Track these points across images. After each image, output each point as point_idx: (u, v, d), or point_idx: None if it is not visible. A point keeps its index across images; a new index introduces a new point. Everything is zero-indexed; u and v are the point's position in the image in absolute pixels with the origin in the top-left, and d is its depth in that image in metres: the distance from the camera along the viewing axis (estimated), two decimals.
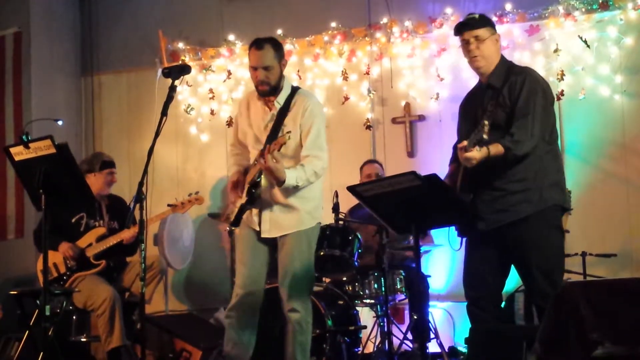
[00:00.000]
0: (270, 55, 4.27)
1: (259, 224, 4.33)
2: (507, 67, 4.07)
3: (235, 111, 5.35)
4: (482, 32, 4.02)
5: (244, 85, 6.90)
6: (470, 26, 4.05)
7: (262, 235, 4.33)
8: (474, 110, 4.09)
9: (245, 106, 4.49)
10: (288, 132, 4.09)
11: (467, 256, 4.12)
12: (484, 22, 4.07)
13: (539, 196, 3.88)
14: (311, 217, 4.38)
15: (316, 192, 4.40)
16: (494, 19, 5.62)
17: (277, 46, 4.34)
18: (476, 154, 3.71)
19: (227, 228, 4.70)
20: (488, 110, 3.93)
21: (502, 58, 4.11)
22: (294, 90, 4.40)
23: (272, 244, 4.38)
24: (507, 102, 3.93)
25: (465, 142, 3.74)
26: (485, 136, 3.66)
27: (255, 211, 4.32)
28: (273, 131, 4.28)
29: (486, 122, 3.68)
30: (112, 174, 5.88)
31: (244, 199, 4.24)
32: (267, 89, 4.29)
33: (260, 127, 4.37)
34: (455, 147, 4.33)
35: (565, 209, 4.07)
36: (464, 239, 4.13)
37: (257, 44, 4.30)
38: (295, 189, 4.22)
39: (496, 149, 3.78)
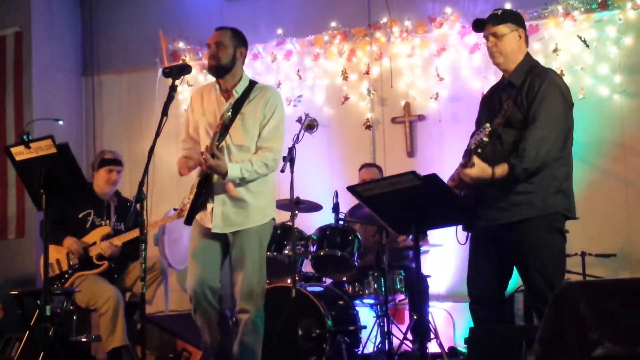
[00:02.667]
0: (226, 36, 4.30)
1: (211, 220, 4.25)
2: (529, 66, 3.99)
3: None
4: (500, 28, 3.95)
5: None
6: (488, 22, 3.99)
7: (213, 231, 4.23)
8: (493, 106, 4.06)
9: (199, 99, 4.44)
10: (227, 113, 4.05)
11: (471, 254, 4.12)
12: (505, 17, 3.99)
13: (542, 201, 3.84)
14: (262, 213, 4.29)
15: (268, 187, 4.32)
16: None
17: (238, 35, 4.37)
18: (472, 172, 3.73)
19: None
20: (503, 109, 3.92)
21: (527, 56, 4.03)
22: (253, 83, 4.40)
23: (225, 241, 4.29)
24: (524, 103, 3.88)
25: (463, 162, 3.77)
26: (485, 138, 3.64)
27: (209, 207, 4.23)
28: (231, 121, 4.23)
29: (488, 125, 3.65)
30: (110, 172, 5.75)
31: (193, 192, 4.16)
32: (214, 64, 4.26)
33: (215, 116, 4.29)
34: (471, 136, 4.32)
35: (568, 217, 3.97)
36: (469, 235, 4.13)
37: (219, 27, 4.39)
38: (243, 180, 4.16)
39: (501, 169, 3.75)
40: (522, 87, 3.92)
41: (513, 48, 3.99)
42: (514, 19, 4.03)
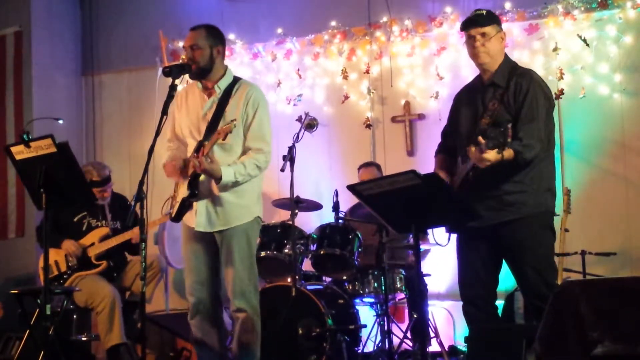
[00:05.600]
0: (200, 37, 4.24)
1: (195, 219, 4.24)
2: (510, 67, 4.05)
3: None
4: (489, 29, 4.00)
5: None
6: (477, 23, 4.02)
7: (197, 229, 4.21)
8: (474, 106, 4.07)
9: (183, 97, 4.40)
10: (233, 120, 4.02)
11: (460, 256, 4.13)
12: (491, 19, 4.05)
13: (534, 200, 3.90)
14: (248, 211, 4.26)
15: (254, 185, 4.28)
16: None
17: (212, 31, 4.31)
18: (495, 156, 3.68)
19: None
20: (489, 109, 3.93)
21: (506, 57, 4.09)
22: (236, 79, 4.36)
23: (211, 240, 4.26)
24: (512, 103, 3.91)
25: (483, 140, 3.68)
26: (509, 140, 3.58)
27: (195, 206, 4.21)
28: (213, 119, 4.20)
29: (509, 127, 3.59)
30: (101, 192, 5.76)
31: (185, 192, 4.14)
32: (193, 68, 4.21)
33: (198, 115, 4.27)
34: (443, 135, 4.32)
35: (554, 215, 4.06)
36: (452, 235, 4.15)
37: (193, 27, 4.32)
38: (236, 184, 4.14)
39: (508, 153, 3.75)
40: (508, 88, 3.96)
41: (498, 49, 4.05)
42: (498, 20, 4.11)
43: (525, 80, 3.94)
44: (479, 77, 4.16)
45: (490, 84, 4.04)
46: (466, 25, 4.08)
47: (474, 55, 4.07)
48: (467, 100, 4.18)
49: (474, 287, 4.05)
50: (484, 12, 4.08)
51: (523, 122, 3.85)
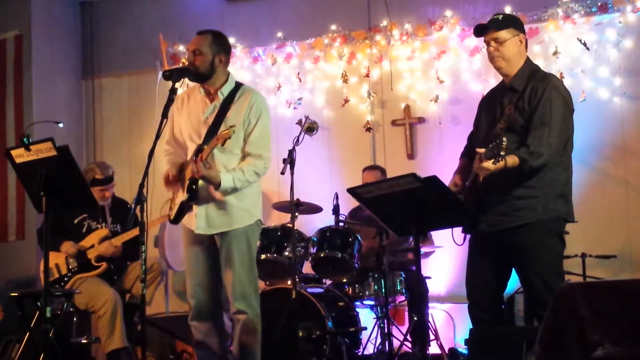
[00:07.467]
0: (204, 42, 4.22)
1: (195, 222, 4.24)
2: (530, 71, 4.00)
3: None
4: (502, 34, 3.95)
5: None
6: (488, 28, 3.98)
7: (197, 231, 4.21)
8: (493, 110, 4.05)
9: (184, 100, 4.39)
10: (232, 126, 4.02)
11: (469, 257, 4.12)
12: (506, 23, 3.99)
13: (543, 206, 3.85)
14: (248, 214, 4.27)
15: (254, 189, 4.29)
16: None
17: (218, 39, 4.29)
18: (491, 166, 3.67)
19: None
20: (505, 114, 3.92)
21: (528, 60, 4.05)
22: (239, 85, 4.35)
23: (211, 242, 4.26)
24: (526, 108, 3.88)
25: (482, 150, 3.68)
26: (502, 153, 3.59)
27: (194, 209, 4.21)
28: (214, 124, 4.20)
29: (505, 140, 3.59)
30: (102, 191, 5.76)
31: (184, 196, 4.13)
32: (192, 72, 4.21)
33: (199, 119, 4.27)
34: (469, 139, 4.32)
35: (567, 221, 3.99)
36: (467, 236, 4.13)
37: (200, 31, 4.30)
38: (235, 190, 4.15)
39: (512, 160, 3.72)
40: (524, 92, 3.92)
41: (514, 53, 4.00)
42: (515, 24, 4.04)
43: (541, 84, 3.89)
44: (502, 80, 4.13)
45: (509, 88, 4.01)
46: (479, 31, 4.04)
47: (490, 60, 4.04)
48: (489, 104, 4.16)
49: (480, 290, 4.03)
50: (500, 16, 4.03)
51: (534, 127, 3.82)
